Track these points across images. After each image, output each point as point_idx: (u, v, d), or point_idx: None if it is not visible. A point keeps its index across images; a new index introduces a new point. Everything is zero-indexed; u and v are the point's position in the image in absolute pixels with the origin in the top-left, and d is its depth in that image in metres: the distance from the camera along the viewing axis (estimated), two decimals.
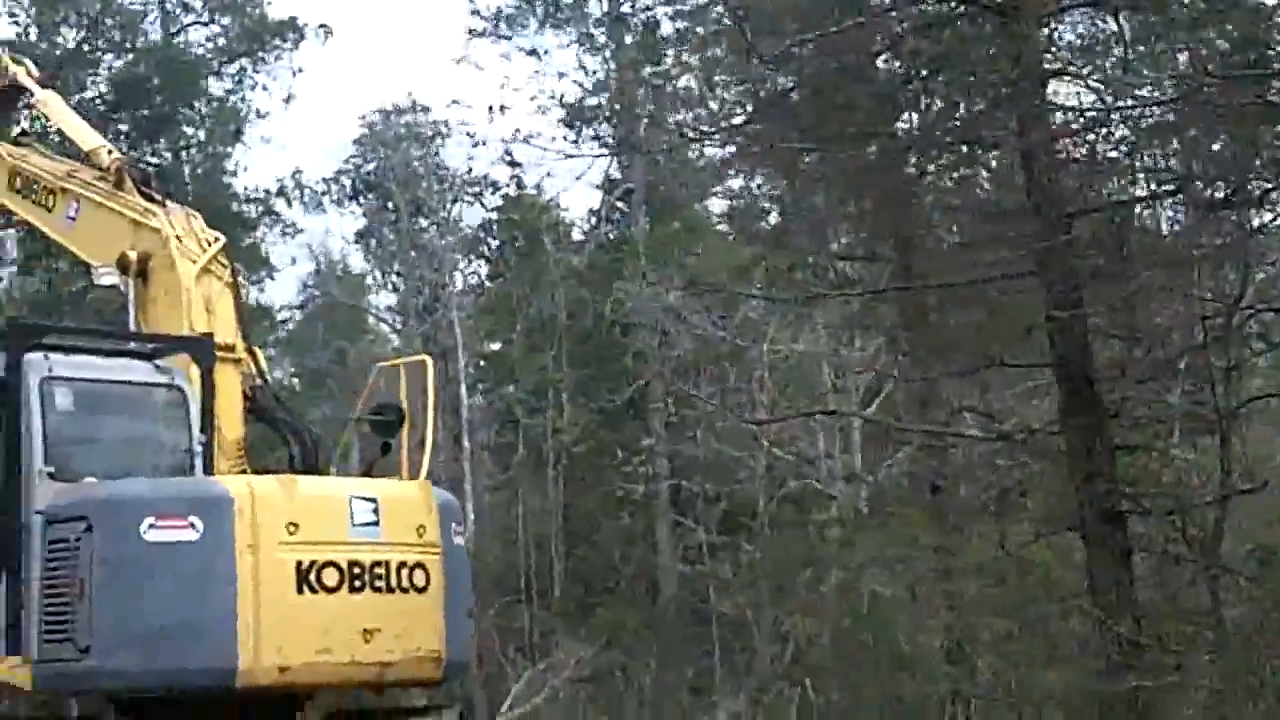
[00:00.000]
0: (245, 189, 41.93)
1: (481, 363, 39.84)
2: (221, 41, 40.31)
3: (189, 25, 40.06)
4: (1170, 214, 13.71)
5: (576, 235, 41.42)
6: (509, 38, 38.97)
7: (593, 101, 39.10)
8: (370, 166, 43.18)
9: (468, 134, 41.10)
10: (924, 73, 14.11)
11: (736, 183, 33.83)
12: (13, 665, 11.39)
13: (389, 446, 13.27)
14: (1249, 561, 14.37)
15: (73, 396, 11.98)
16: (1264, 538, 15.26)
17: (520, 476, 37.27)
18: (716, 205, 40.16)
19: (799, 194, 18.41)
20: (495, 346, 40.86)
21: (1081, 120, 13.27)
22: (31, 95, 15.90)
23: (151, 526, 10.96)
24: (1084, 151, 13.54)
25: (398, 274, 44.34)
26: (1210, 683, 12.79)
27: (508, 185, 42.63)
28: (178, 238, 13.33)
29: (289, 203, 42.95)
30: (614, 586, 35.11)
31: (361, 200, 43.83)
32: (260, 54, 39.40)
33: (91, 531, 11.05)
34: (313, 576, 11.18)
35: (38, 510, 11.45)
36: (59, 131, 16.28)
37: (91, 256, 14.14)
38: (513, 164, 41.63)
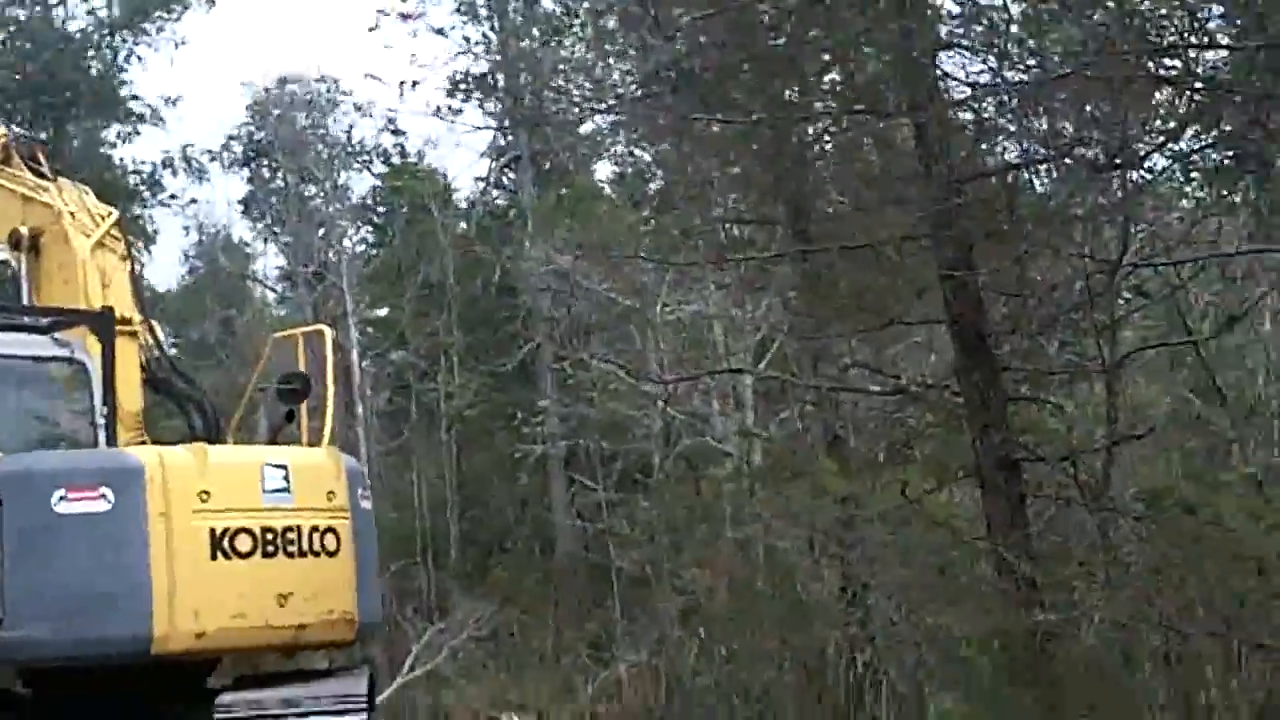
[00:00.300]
0: (130, 161, 41.51)
1: (369, 329, 39.80)
2: (103, 14, 39.72)
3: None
4: (1054, 177, 14.08)
5: (463, 202, 41.52)
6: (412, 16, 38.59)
7: (479, 70, 39.00)
8: (259, 135, 42.82)
9: (355, 105, 41.11)
10: (816, 42, 14.37)
11: (620, 148, 34.15)
12: None
13: (293, 415, 13.31)
14: (1136, 503, 14.86)
15: None
16: (1149, 481, 15.79)
17: (414, 440, 37.38)
18: (603, 171, 40.49)
19: (686, 159, 18.62)
20: (383, 312, 40.82)
21: (972, 90, 13.60)
22: None
23: (62, 499, 10.95)
24: (973, 118, 13.89)
25: (285, 242, 44.10)
26: (1105, 616, 13.28)
27: (394, 152, 42.63)
28: (70, 213, 13.27)
29: (174, 173, 42.52)
30: (510, 547, 35.39)
31: (250, 168, 43.52)
32: (143, 25, 38.81)
33: (1, 504, 11.02)
34: (226, 543, 11.25)
35: None
36: None
37: None
38: (396, 132, 41.62)
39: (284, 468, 11.77)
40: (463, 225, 39.53)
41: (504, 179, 39.72)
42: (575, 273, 28.43)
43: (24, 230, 13.14)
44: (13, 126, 15.61)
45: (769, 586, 18.33)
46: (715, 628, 18.87)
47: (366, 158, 42.77)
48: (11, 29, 38.97)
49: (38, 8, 39.31)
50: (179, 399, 13.68)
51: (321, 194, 41.92)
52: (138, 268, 14.00)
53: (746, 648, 17.62)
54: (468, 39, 38.36)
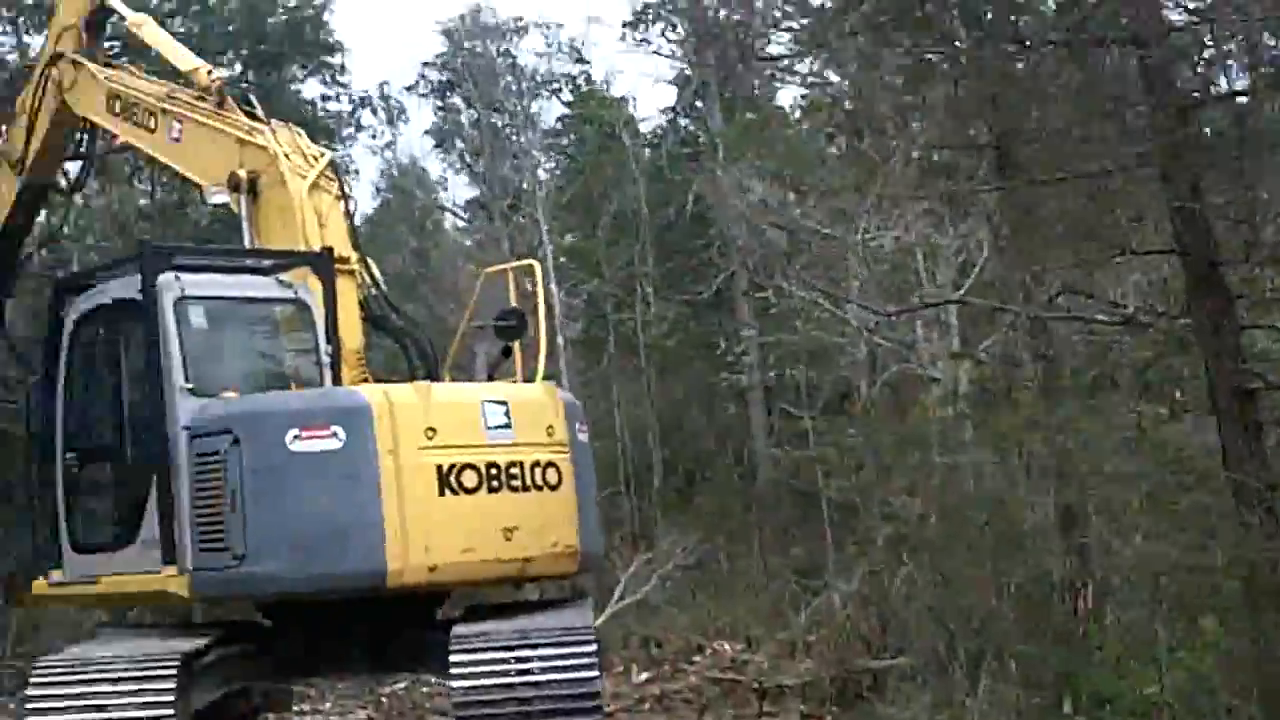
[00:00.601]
0: (332, 99, 42.08)
1: (562, 259, 39.99)
2: None
3: None
4: None
5: (650, 132, 41.39)
6: None
7: None
8: (450, 69, 43.15)
9: (543, 33, 41.12)
10: None
11: (806, 68, 33.62)
12: (169, 574, 11.79)
13: (509, 351, 13.54)
14: None
15: (205, 315, 12.33)
16: None
17: (611, 370, 37.56)
18: (786, 96, 40.09)
19: (886, 86, 18.35)
20: (573, 241, 40.90)
21: (1197, 16, 13.23)
22: (122, 18, 16.01)
23: (296, 437, 11.30)
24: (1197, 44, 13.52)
25: (476, 173, 44.46)
26: None
27: (580, 81, 42.62)
28: (285, 155, 13.49)
29: (373, 112, 43.05)
30: (711, 475, 35.42)
31: (442, 100, 43.88)
32: None
33: (238, 444, 11.41)
34: (453, 478, 11.54)
35: (182, 426, 11.79)
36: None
37: (199, 176, 14.33)
38: (581, 60, 41.63)
39: (504, 404, 11.99)
40: (648, 153, 39.40)
41: (691, 107, 39.44)
42: (769, 199, 28.26)
43: (242, 173, 13.42)
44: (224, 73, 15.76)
45: (980, 514, 18.10)
46: (927, 556, 18.71)
47: (556, 85, 42.86)
48: None
49: None
50: (397, 335, 13.90)
51: (512, 125, 42.13)
52: (351, 207, 14.09)
53: (961, 576, 17.45)
54: None
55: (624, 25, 38.76)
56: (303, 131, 14.27)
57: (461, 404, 11.94)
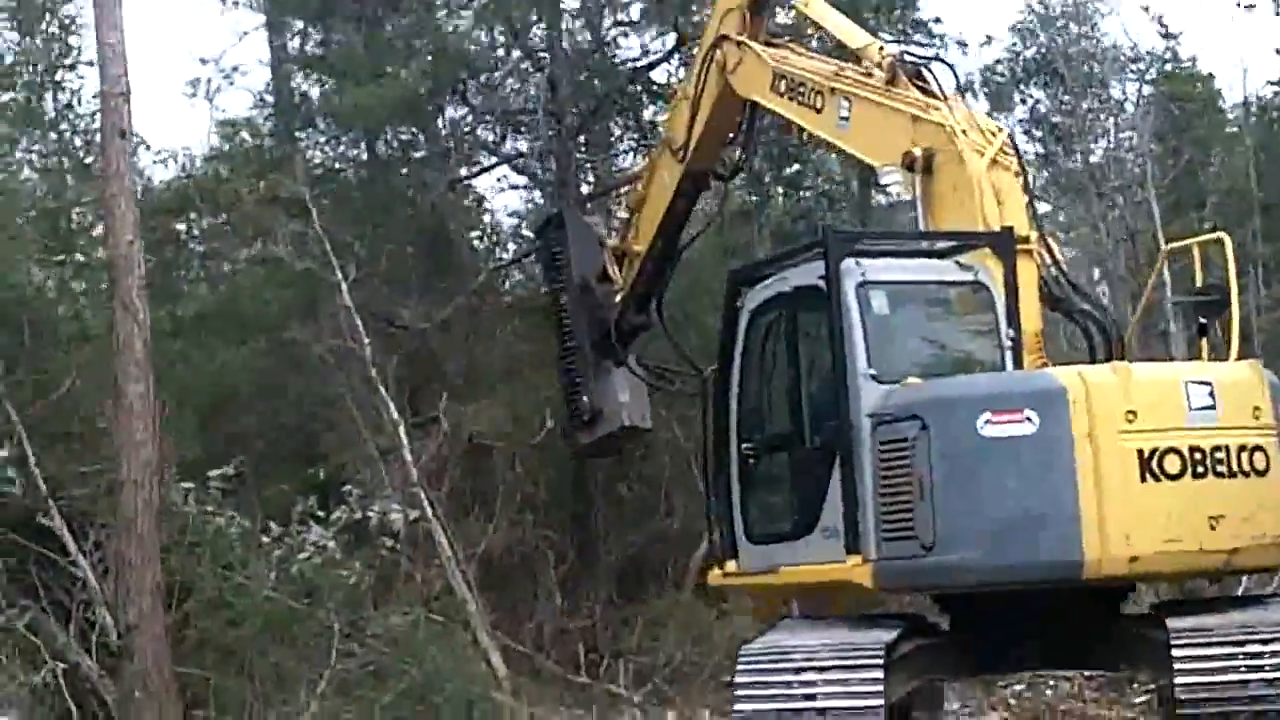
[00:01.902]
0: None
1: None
2: None
3: None
4: None
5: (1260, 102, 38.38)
6: None
7: None
8: (1030, 52, 41.26)
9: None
10: None
11: None
12: (854, 564, 11.67)
13: (1205, 328, 12.80)
14: None
15: (886, 299, 12.16)
16: None
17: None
18: None
19: None
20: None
21: None
22: None
23: (988, 422, 10.95)
24: None
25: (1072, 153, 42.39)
26: None
27: (1168, 58, 39.86)
28: (963, 131, 13.07)
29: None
30: None
31: (1032, 84, 42.20)
32: None
33: (927, 430, 11.15)
34: (1154, 464, 10.88)
35: (867, 413, 11.65)
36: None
37: (870, 156, 14.23)
38: (1167, 35, 39.12)
39: (1208, 384, 11.24)
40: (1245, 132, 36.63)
41: None
42: None
43: (917, 151, 13.10)
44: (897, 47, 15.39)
45: None
46: None
47: (1142, 65, 40.36)
48: None
49: None
50: (1079, 318, 13.30)
51: (1099, 106, 39.92)
52: (1030, 184, 13.58)
53: None
54: None
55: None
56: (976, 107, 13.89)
57: (1163, 384, 11.27)
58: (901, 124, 13.44)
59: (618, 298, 18.34)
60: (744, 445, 12.99)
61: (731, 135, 16.99)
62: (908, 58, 14.10)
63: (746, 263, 16.38)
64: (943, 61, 14.51)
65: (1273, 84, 38.32)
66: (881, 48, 14.41)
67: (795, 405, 12.62)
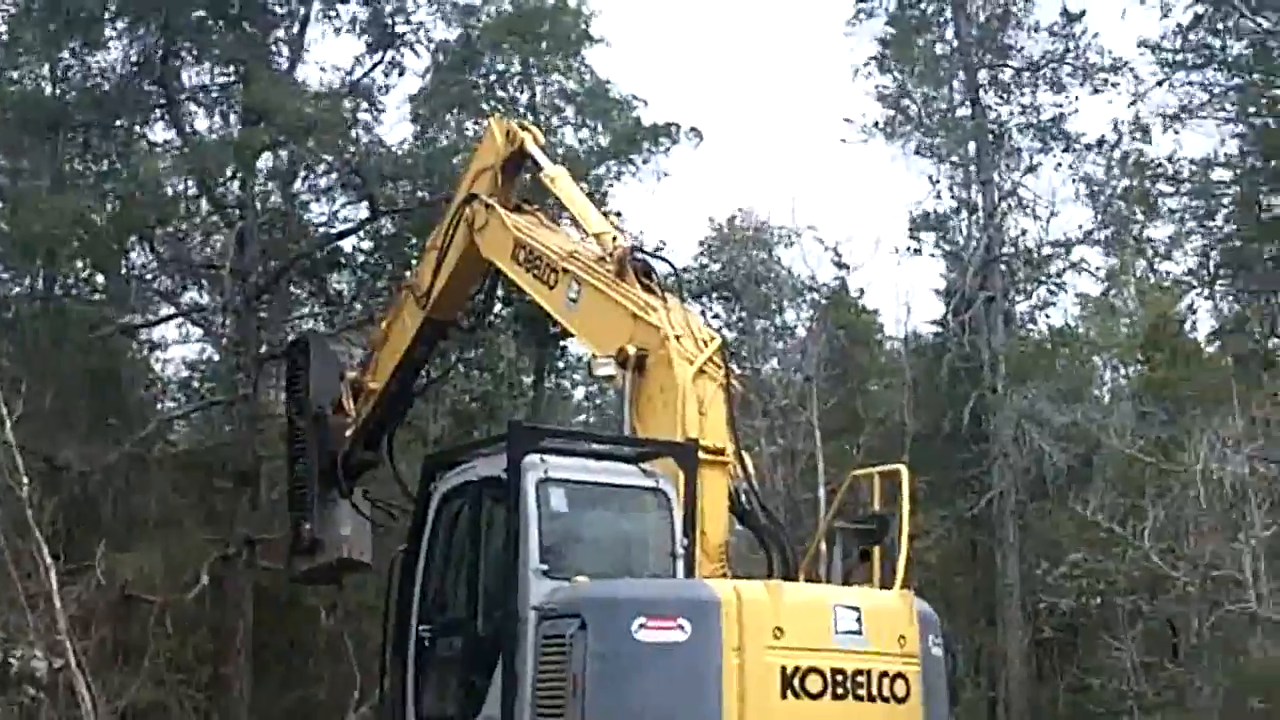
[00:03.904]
0: None
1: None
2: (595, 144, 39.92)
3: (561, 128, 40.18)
4: None
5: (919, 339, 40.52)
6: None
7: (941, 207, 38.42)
8: (716, 267, 42.37)
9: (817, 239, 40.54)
10: None
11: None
12: None
13: (868, 555, 13.28)
14: None
15: (566, 497, 12.34)
16: None
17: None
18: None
19: None
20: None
21: None
22: (539, 167, 16.12)
23: (642, 626, 11.15)
24: None
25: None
26: None
27: (835, 287, 41.51)
28: (676, 336, 13.35)
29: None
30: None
31: (703, 301, 43.40)
32: (630, 156, 38.67)
33: (585, 629, 11.32)
34: (796, 681, 11.17)
35: (532, 606, 11.81)
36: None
37: (590, 342, 14.44)
38: (841, 265, 40.91)
39: (856, 609, 11.63)
40: (912, 361, 38.59)
41: (964, 323, 38.18)
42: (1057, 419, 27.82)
43: (631, 350, 13.37)
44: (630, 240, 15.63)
45: None
46: None
47: (814, 293, 41.90)
48: None
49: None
50: (762, 534, 13.56)
51: (773, 329, 41.40)
52: (736, 396, 13.74)
53: None
54: (931, 178, 37.96)
55: (910, 234, 38.20)
56: (695, 311, 14.09)
57: (812, 605, 11.66)
58: (622, 319, 13.70)
59: (349, 431, 18.18)
60: (422, 627, 13.04)
61: (476, 290, 17.15)
62: (639, 253, 14.43)
63: (445, 447, 16.46)
64: (667, 262, 14.97)
65: (932, 323, 40.37)
66: (615, 237, 14.67)
67: (471, 593, 12.72)
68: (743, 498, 13.23)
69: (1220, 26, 31.25)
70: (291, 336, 23.83)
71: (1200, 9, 31.16)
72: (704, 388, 13.16)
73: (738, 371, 16.93)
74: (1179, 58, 31.42)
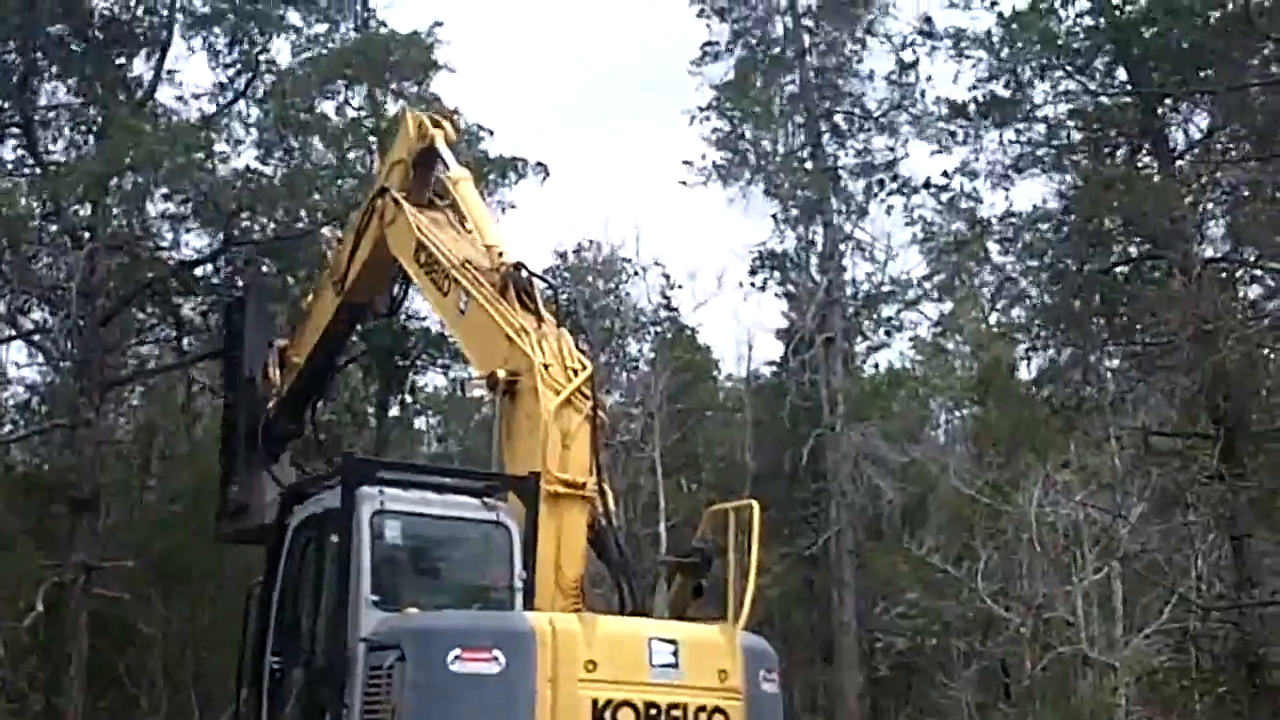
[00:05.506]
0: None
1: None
2: None
3: None
4: None
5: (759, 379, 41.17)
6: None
7: (781, 248, 39.15)
8: (563, 298, 42.34)
9: (664, 275, 41.00)
10: None
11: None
12: None
13: (700, 590, 13.32)
14: None
15: (401, 529, 12.41)
16: None
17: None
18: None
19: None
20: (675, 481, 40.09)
21: None
22: (446, 168, 15.68)
23: (458, 658, 11.16)
24: None
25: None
26: None
27: (669, 326, 41.90)
28: (545, 365, 13.07)
29: None
30: None
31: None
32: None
33: (405, 660, 11.35)
34: (609, 714, 11.20)
35: (362, 637, 11.86)
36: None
37: (471, 357, 14.42)
38: (669, 307, 41.50)
39: (673, 643, 11.64)
40: (748, 401, 39.20)
41: (804, 361, 38.87)
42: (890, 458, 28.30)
43: (501, 374, 13.18)
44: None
45: None
46: None
47: (658, 328, 42.19)
48: None
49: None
50: (613, 569, 13.36)
51: (615, 360, 41.73)
52: (602, 428, 13.39)
53: None
54: (775, 218, 38.64)
55: (751, 273, 38.91)
56: (569, 334, 13.81)
57: (627, 638, 11.62)
58: (499, 339, 13.46)
59: (271, 402, 17.84)
60: (273, 658, 13.07)
61: (391, 278, 16.62)
62: (523, 271, 14.01)
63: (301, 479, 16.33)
64: (549, 284, 14.65)
65: (770, 364, 40.93)
66: (501, 254, 14.21)
67: (312, 624, 12.78)
68: (601, 534, 13.05)
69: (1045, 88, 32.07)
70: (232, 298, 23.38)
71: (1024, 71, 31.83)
72: (569, 419, 12.94)
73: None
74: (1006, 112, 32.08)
